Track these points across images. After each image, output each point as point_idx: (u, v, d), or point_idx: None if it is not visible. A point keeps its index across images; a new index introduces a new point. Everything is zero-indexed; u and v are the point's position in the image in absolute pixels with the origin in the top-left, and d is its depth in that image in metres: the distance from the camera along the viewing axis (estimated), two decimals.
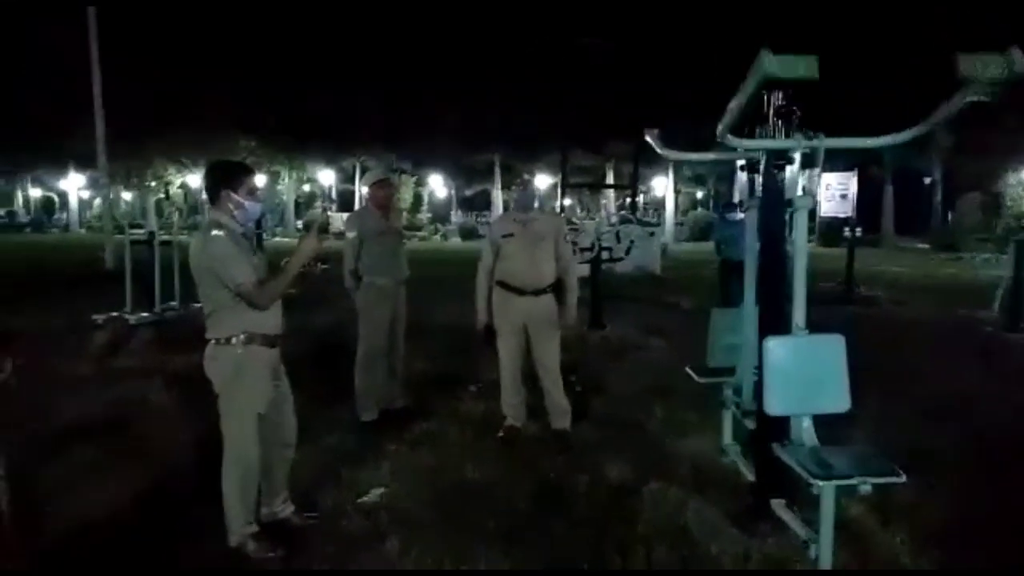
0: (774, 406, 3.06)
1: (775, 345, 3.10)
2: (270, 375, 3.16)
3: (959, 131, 25.89)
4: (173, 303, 9.01)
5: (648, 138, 4.38)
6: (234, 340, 3.02)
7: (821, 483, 2.71)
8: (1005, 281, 9.28)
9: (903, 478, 2.74)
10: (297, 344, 3.25)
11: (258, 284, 3.00)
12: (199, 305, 3.19)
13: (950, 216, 32.05)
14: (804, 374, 3.06)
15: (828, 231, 27.68)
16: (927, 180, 33.35)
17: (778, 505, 3.27)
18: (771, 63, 2.61)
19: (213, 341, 3.05)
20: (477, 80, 29.15)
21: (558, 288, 4.62)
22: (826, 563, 2.81)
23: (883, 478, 2.74)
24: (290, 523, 3.36)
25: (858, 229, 16.84)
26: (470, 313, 4.73)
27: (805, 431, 3.07)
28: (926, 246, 30.42)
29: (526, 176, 6.92)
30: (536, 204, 4.81)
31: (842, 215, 26.87)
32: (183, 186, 37.56)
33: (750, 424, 3.60)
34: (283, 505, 3.39)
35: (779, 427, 3.20)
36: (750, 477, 3.59)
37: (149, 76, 26.04)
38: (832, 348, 3.10)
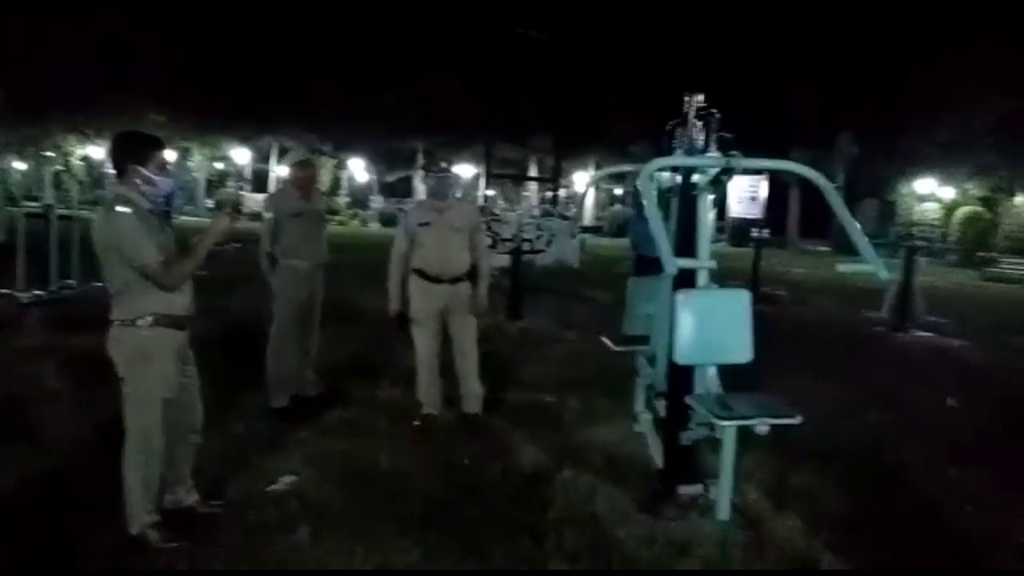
0: (683, 355, 3.21)
1: (685, 297, 3.25)
2: (177, 359, 3.05)
3: (861, 142, 27.55)
4: (70, 281, 8.51)
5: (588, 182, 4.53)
6: (140, 322, 2.90)
7: (724, 423, 2.87)
8: (894, 285, 9.93)
9: (799, 419, 2.93)
10: (207, 326, 3.14)
11: (165, 264, 2.89)
12: (100, 284, 3.04)
13: None
14: (711, 325, 3.23)
15: (737, 232, 28.78)
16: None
17: (684, 489, 3.42)
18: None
19: (118, 322, 2.92)
20: (404, 65, 28.75)
21: (474, 276, 4.66)
22: (725, 504, 2.97)
23: (780, 419, 2.92)
24: (195, 511, 3.25)
25: (765, 231, 17.62)
26: (387, 300, 4.71)
27: (711, 379, 3.24)
28: (827, 248, 32.15)
29: (444, 164, 6.86)
30: (454, 193, 4.84)
31: (751, 217, 27.97)
32: (84, 158, 35.36)
33: (661, 408, 3.73)
34: (187, 493, 3.27)
35: (686, 378, 3.37)
36: (659, 463, 3.72)
37: (50, 41, 24.38)
38: (737, 301, 3.27)
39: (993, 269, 22.26)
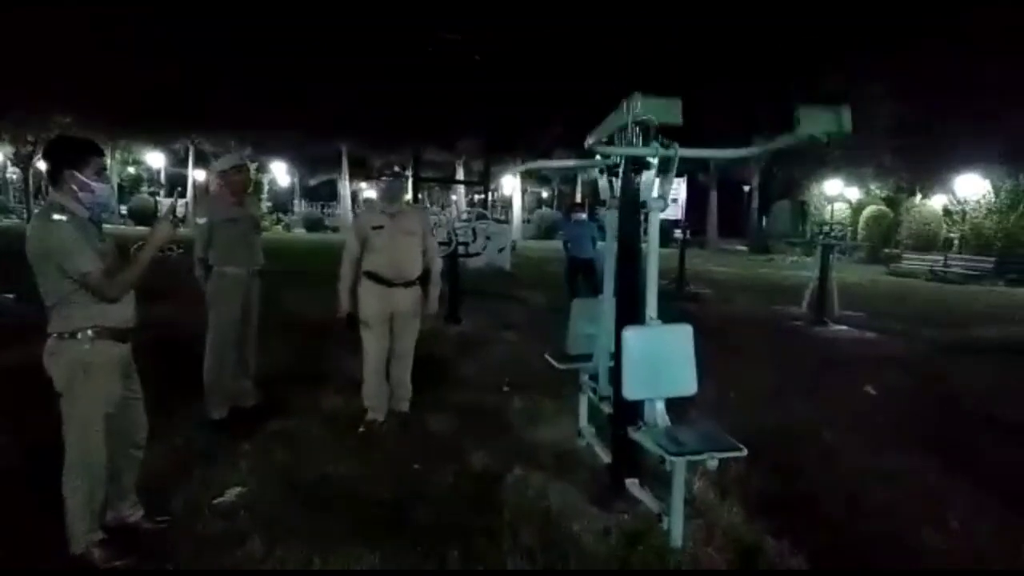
0: (631, 391, 3.30)
1: (631, 334, 3.34)
2: (120, 373, 2.95)
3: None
4: None
5: (515, 170, 4.55)
6: (80, 335, 2.79)
7: (675, 459, 2.97)
8: (812, 281, 10.46)
9: (744, 452, 3.07)
10: (139, 336, 3.05)
11: (106, 274, 2.79)
12: (11, 295, 2.91)
13: (765, 221, 35.41)
14: (657, 361, 3.33)
15: (660, 233, 29.59)
16: (746, 188, 36.67)
17: (632, 484, 3.53)
18: (645, 106, 2.81)
19: (55, 335, 2.80)
20: (325, 65, 28.19)
21: (423, 280, 4.68)
22: (677, 532, 3.09)
23: (727, 452, 3.04)
24: (140, 527, 3.15)
25: (687, 231, 18.24)
26: (324, 306, 4.66)
27: (659, 413, 3.34)
28: (744, 248, 33.53)
29: (397, 168, 6.72)
30: (403, 196, 4.86)
31: (673, 218, 28.80)
32: None
33: (607, 409, 3.84)
34: (132, 509, 3.17)
35: (633, 411, 3.46)
36: (606, 459, 3.83)
37: None
38: (681, 337, 3.40)
39: (898, 264, 23.68)
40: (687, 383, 3.37)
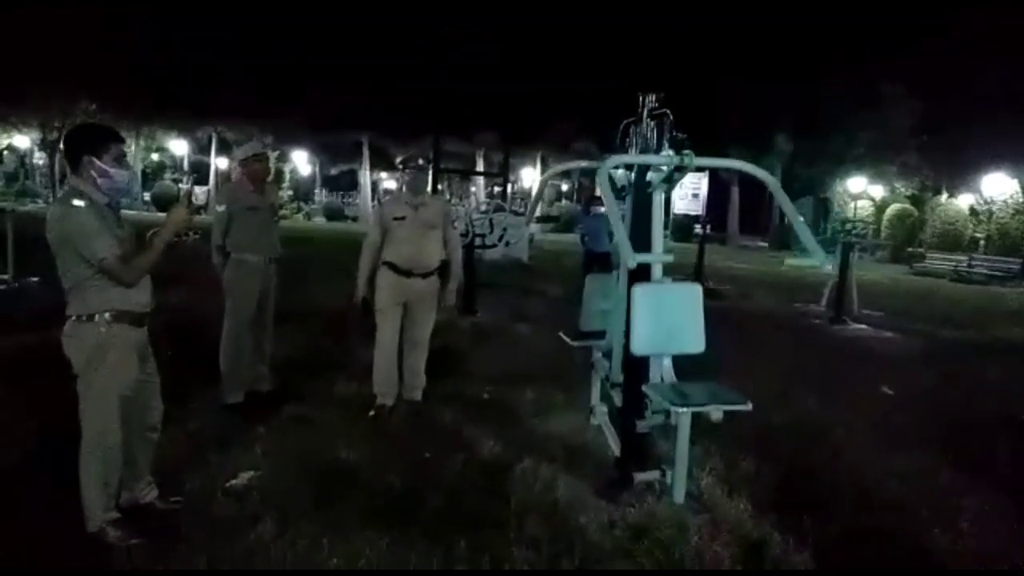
0: (639, 346, 3.32)
1: (641, 290, 3.37)
2: (136, 356, 3.00)
3: (796, 141, 28.50)
4: (4, 276, 8.15)
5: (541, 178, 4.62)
6: (98, 318, 2.84)
7: (680, 410, 2.99)
8: (832, 279, 10.36)
9: (749, 406, 3.08)
10: (156, 320, 3.11)
11: (123, 259, 2.84)
12: (36, 279, 2.97)
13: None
14: (666, 317, 3.36)
15: (681, 228, 29.48)
16: None
17: (639, 476, 3.54)
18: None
19: (73, 318, 2.86)
20: (346, 57, 28.32)
21: (443, 271, 4.72)
22: (680, 487, 3.10)
23: (732, 405, 3.06)
24: (154, 508, 3.21)
25: (707, 227, 18.14)
26: (340, 295, 4.71)
27: (665, 370, 3.36)
28: (765, 244, 33.26)
29: (421, 161, 6.69)
30: (427, 187, 4.90)
31: (693, 213, 28.65)
32: (10, 148, 33.71)
33: (617, 399, 3.84)
34: (146, 490, 3.23)
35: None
36: (615, 448, 3.84)
37: None
38: (690, 295, 3.42)
39: (921, 264, 23.36)
40: (695, 341, 3.40)
